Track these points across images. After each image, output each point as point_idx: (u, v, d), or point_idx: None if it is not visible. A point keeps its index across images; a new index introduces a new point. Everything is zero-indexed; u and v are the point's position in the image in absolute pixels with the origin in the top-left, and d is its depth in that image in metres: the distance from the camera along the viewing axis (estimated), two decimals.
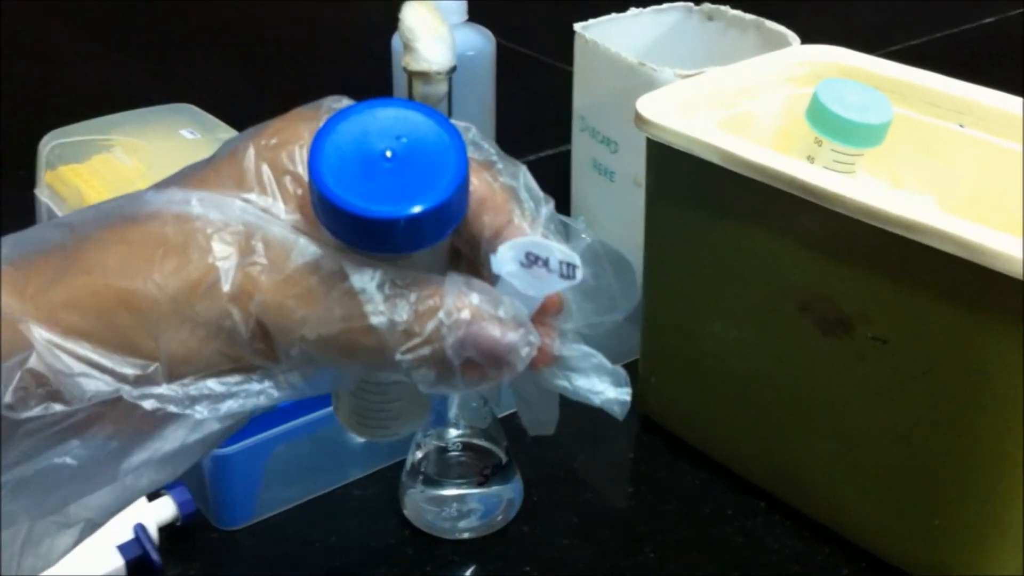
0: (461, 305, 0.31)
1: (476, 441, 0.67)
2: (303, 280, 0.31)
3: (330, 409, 0.41)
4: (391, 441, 0.70)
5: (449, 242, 0.34)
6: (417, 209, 0.30)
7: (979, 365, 0.55)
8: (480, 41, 0.93)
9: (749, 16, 0.86)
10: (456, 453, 0.67)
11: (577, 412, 0.76)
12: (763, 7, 0.87)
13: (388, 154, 0.31)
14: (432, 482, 0.66)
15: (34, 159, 0.82)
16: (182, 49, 1.45)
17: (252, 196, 0.32)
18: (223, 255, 0.31)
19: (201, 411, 0.32)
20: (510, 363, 0.32)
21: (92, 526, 0.35)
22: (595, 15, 0.86)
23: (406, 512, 0.67)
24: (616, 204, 0.84)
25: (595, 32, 0.84)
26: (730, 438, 0.70)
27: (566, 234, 0.36)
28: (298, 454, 0.67)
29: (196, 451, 0.34)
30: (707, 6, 0.88)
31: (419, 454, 0.67)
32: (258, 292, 0.31)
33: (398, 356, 0.31)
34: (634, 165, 0.77)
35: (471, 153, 0.34)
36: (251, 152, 0.33)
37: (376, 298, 0.31)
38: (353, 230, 0.31)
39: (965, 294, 0.54)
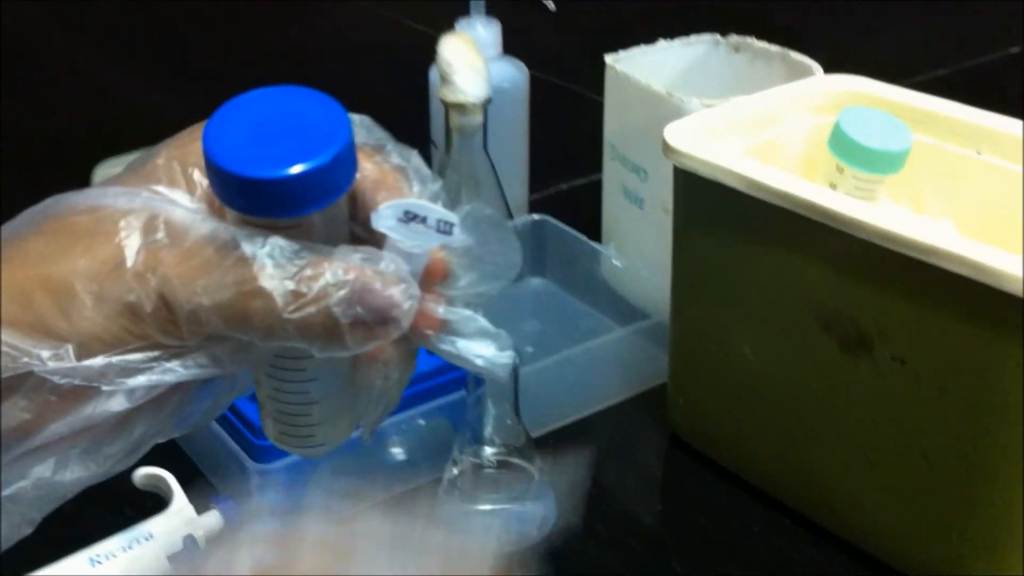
0: (346, 266, 0.34)
1: (511, 459, 0.69)
2: (200, 252, 0.34)
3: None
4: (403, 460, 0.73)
5: (346, 221, 0.36)
6: (296, 169, 0.33)
7: (990, 384, 0.57)
8: (514, 73, 0.96)
9: (775, 48, 0.88)
10: (491, 470, 0.69)
11: (607, 430, 0.79)
12: (789, 38, 0.90)
13: (274, 128, 0.34)
14: (468, 498, 0.69)
15: (80, 183, 0.85)
16: (211, 70, 1.49)
17: (160, 188, 0.36)
18: (127, 236, 0.34)
19: (108, 384, 0.35)
20: (394, 318, 0.34)
21: (26, 523, 0.38)
22: (625, 47, 0.89)
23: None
24: (646, 230, 0.86)
25: (625, 64, 0.87)
26: (756, 455, 0.72)
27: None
28: (343, 470, 0.70)
29: (119, 445, 0.37)
30: (734, 38, 0.91)
31: (456, 471, 0.70)
32: (160, 266, 0.34)
33: (286, 316, 0.33)
34: (663, 192, 0.80)
35: (363, 138, 0.37)
36: (163, 152, 0.37)
37: (266, 263, 0.34)
38: (239, 193, 0.34)
39: (975, 314, 0.57)
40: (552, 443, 0.77)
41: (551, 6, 0.87)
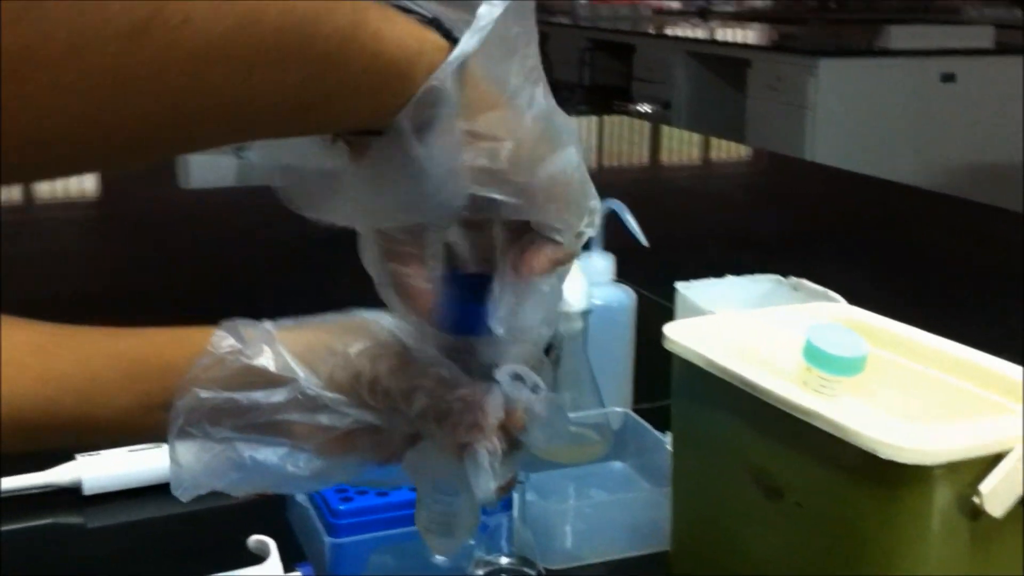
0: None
1: (518, 566, 0.89)
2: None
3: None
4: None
5: None
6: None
7: (855, 522, 0.73)
8: (621, 296, 1.19)
9: (820, 288, 1.07)
10: (505, 574, 0.89)
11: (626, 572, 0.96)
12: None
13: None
14: None
15: None
16: None
17: None
18: None
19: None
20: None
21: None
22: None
23: None
24: None
25: (694, 290, 1.08)
26: None
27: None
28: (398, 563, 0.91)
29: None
30: (792, 279, 1.11)
31: (480, 572, 0.89)
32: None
33: None
34: None
35: None
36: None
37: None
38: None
39: (841, 465, 0.73)
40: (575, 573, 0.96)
41: (644, 242, 1.10)
